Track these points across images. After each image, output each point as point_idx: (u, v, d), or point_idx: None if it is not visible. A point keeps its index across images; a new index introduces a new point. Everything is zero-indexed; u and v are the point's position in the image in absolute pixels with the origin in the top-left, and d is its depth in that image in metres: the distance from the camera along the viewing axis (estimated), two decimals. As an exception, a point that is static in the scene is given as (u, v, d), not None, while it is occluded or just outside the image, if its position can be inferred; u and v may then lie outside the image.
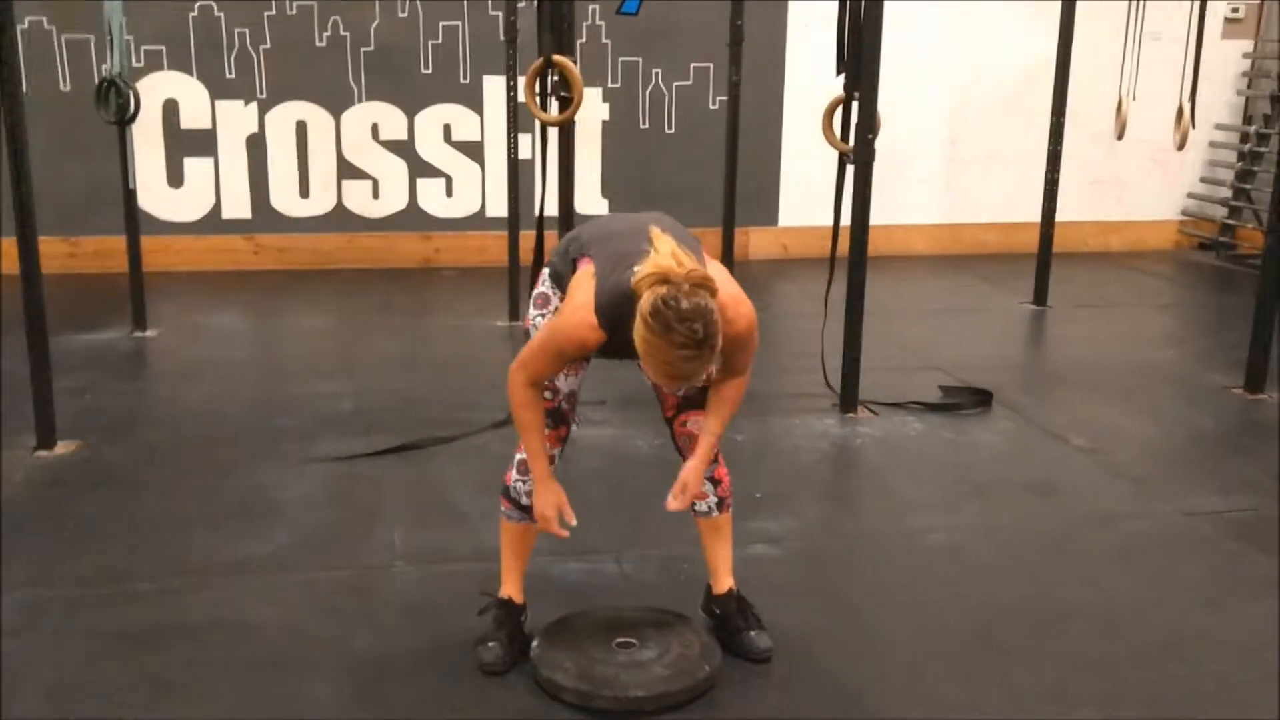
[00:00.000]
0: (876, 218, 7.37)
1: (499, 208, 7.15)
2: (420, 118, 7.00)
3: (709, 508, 2.76)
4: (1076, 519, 3.63)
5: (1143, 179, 8.01)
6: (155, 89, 6.58)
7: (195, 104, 6.75)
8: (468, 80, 7.00)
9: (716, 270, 2.48)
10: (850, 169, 4.46)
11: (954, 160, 7.73)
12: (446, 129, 7.05)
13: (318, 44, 6.79)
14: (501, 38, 6.86)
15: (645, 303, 2.26)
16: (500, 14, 6.85)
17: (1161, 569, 3.29)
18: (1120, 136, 5.97)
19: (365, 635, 2.85)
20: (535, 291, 2.75)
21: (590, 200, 7.24)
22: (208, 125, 6.79)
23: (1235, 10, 7.82)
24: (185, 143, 6.79)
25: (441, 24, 6.90)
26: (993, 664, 2.79)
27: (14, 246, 3.86)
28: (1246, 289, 6.99)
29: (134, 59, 6.45)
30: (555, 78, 4.15)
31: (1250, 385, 4.84)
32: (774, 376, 4.73)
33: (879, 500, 3.81)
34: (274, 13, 6.71)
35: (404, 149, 7.03)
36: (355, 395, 4.67)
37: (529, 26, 5.83)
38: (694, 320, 2.22)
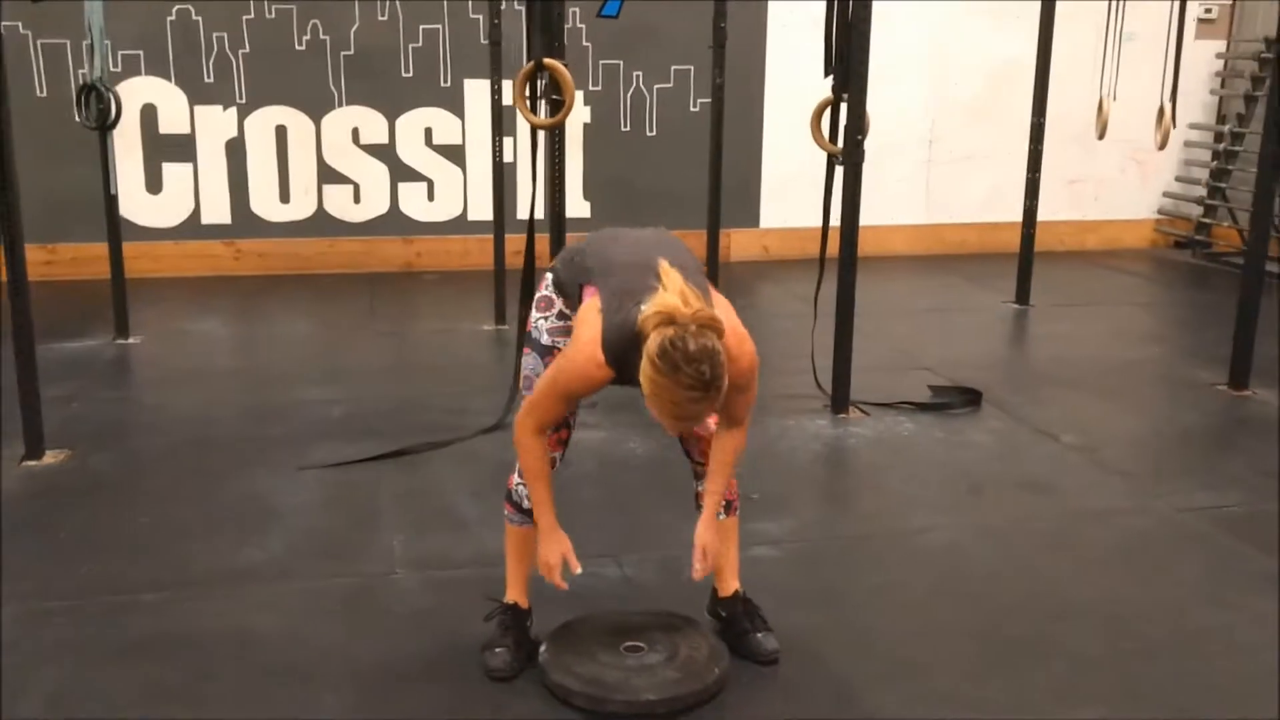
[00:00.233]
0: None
1: (481, 211, 7.16)
2: (401, 121, 6.98)
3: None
4: (1073, 516, 3.65)
5: (1119, 178, 8.08)
6: (133, 94, 6.52)
7: (174, 109, 6.70)
8: (449, 84, 6.98)
9: (721, 306, 2.48)
10: (839, 170, 4.47)
11: (933, 160, 7.78)
12: (428, 133, 7.03)
13: (297, 48, 6.75)
14: (484, 40, 6.88)
15: (652, 344, 2.25)
16: (481, 17, 6.86)
17: (1160, 566, 3.31)
18: (1101, 136, 6.02)
19: (370, 643, 2.83)
20: (537, 294, 2.74)
21: (572, 203, 7.21)
22: (186, 130, 6.74)
23: (1208, 11, 7.91)
24: (164, 148, 6.73)
25: (422, 27, 6.88)
26: (999, 663, 2.79)
27: (-1, 254, 3.83)
28: (1223, 287, 7.08)
29: (111, 64, 6.38)
30: (545, 80, 4.13)
31: (1234, 382, 4.89)
32: (764, 378, 4.64)
33: (876, 500, 3.82)
34: (253, 16, 6.67)
35: (385, 153, 7.00)
36: (345, 401, 4.64)
37: (510, 30, 5.86)
38: (701, 362, 2.21)
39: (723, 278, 6.09)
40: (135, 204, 6.66)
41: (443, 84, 6.97)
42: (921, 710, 2.59)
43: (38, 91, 6.47)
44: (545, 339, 2.67)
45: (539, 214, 7.17)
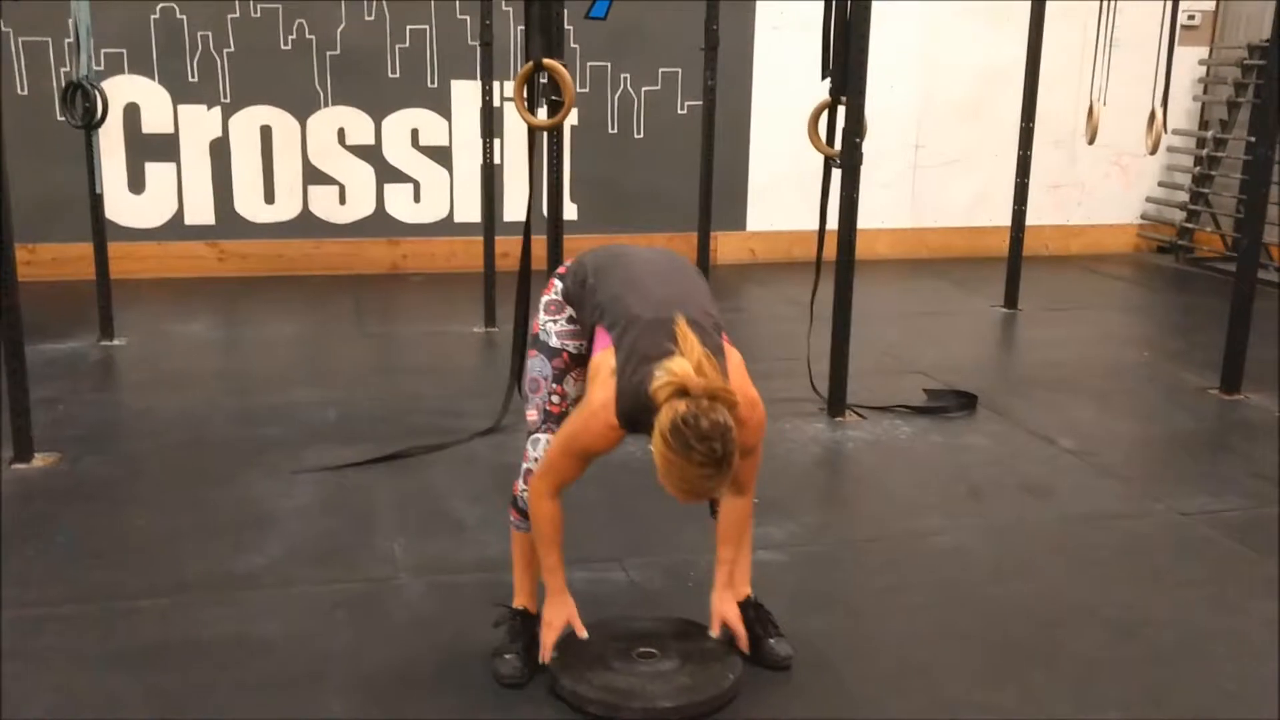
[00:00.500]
0: (833, 221, 7.46)
1: (468, 213, 7.12)
2: (388, 122, 6.93)
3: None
4: (1074, 520, 3.65)
5: (1102, 183, 8.12)
6: (116, 93, 6.40)
7: (157, 108, 6.62)
8: (435, 84, 6.93)
9: (734, 365, 2.48)
10: (835, 173, 4.46)
11: (918, 165, 7.79)
12: (414, 134, 6.98)
13: (283, 47, 6.69)
14: (473, 41, 6.81)
15: (665, 419, 2.23)
16: (469, 18, 6.82)
17: (1164, 569, 3.31)
18: (1092, 141, 6.05)
19: (377, 649, 2.79)
20: (545, 298, 2.70)
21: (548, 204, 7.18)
22: (170, 130, 6.67)
23: (1191, 18, 7.95)
24: (147, 148, 6.66)
25: (409, 27, 6.83)
26: (1010, 667, 2.78)
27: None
28: (1207, 291, 7.14)
29: (94, 62, 6.29)
30: (544, 81, 4.09)
31: (1226, 386, 4.91)
32: (758, 381, 4.62)
33: (878, 504, 3.80)
34: (238, 15, 6.60)
35: (371, 154, 6.95)
36: (337, 403, 4.59)
37: (497, 30, 5.83)
38: (714, 440, 2.20)
39: (710, 281, 6.05)
40: (118, 204, 6.57)
41: (429, 85, 6.93)
42: (936, 714, 2.57)
43: (19, 89, 6.38)
44: (554, 341, 2.65)
45: (521, 215, 7.15)
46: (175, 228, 6.78)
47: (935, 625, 2.97)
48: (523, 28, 6.74)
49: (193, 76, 6.62)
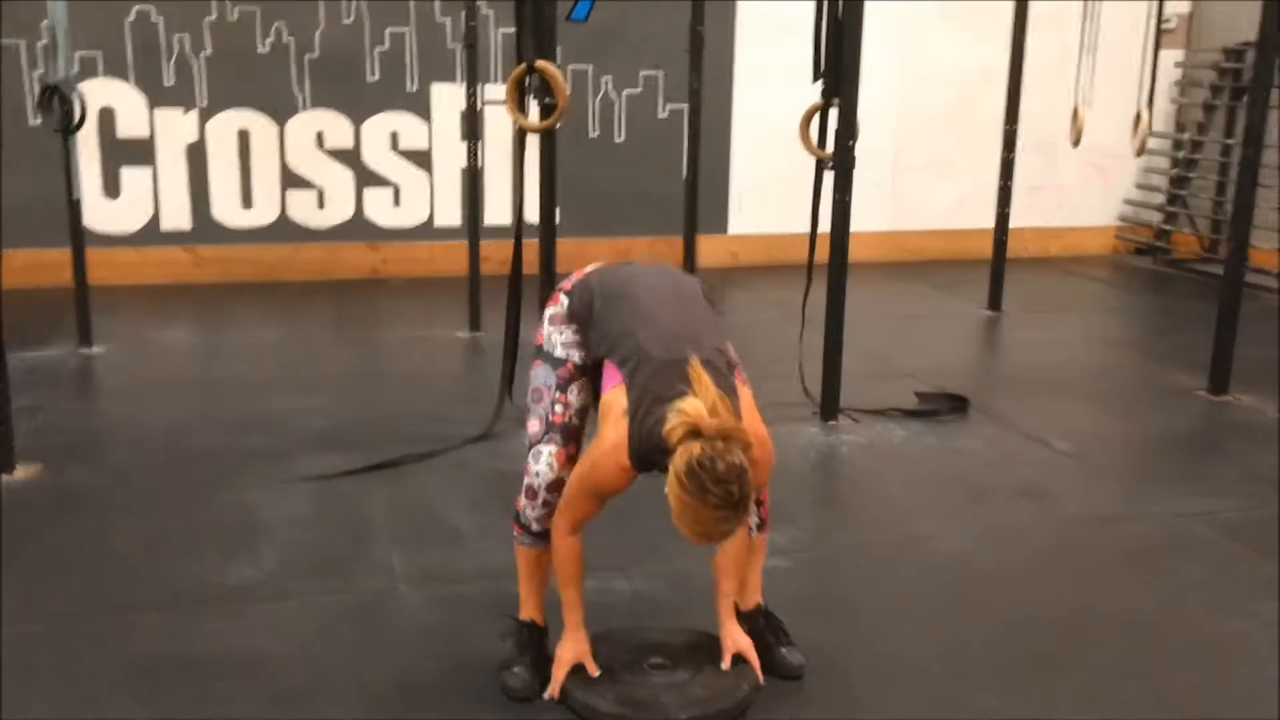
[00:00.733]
0: (823, 225, 7.47)
1: (448, 217, 7.06)
2: (367, 126, 6.85)
3: (749, 528, 2.69)
4: (1074, 523, 3.64)
5: (1081, 186, 8.15)
6: (91, 97, 6.22)
7: (132, 112, 6.52)
8: (415, 88, 6.86)
9: (744, 402, 2.47)
10: (826, 175, 4.45)
11: (898, 167, 7.79)
12: (394, 137, 6.91)
13: (260, 50, 6.60)
14: (453, 44, 6.79)
15: (680, 462, 2.20)
16: (449, 20, 6.77)
17: (1168, 572, 3.31)
18: (1076, 143, 6.07)
19: (380, 662, 2.73)
20: (550, 310, 2.65)
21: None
22: (145, 134, 6.56)
23: (1167, 21, 7.98)
24: (122, 152, 6.55)
25: (388, 30, 6.76)
26: (1024, 673, 2.76)
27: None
28: (1186, 292, 7.18)
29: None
30: (535, 83, 4.04)
31: (1214, 387, 4.92)
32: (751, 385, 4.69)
33: (878, 508, 3.78)
34: (214, 18, 6.51)
35: (350, 158, 6.87)
36: (324, 411, 4.52)
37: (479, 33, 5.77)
38: (730, 482, 2.17)
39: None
40: (92, 209, 6.43)
41: (409, 88, 6.86)
42: (953, 723, 2.55)
43: (-10, 93, 6.26)
44: (559, 351, 2.61)
45: (506, 219, 7.09)
46: (151, 233, 6.68)
47: (943, 631, 2.94)
48: (505, 30, 6.77)
49: (169, 80, 6.52)
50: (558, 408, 2.57)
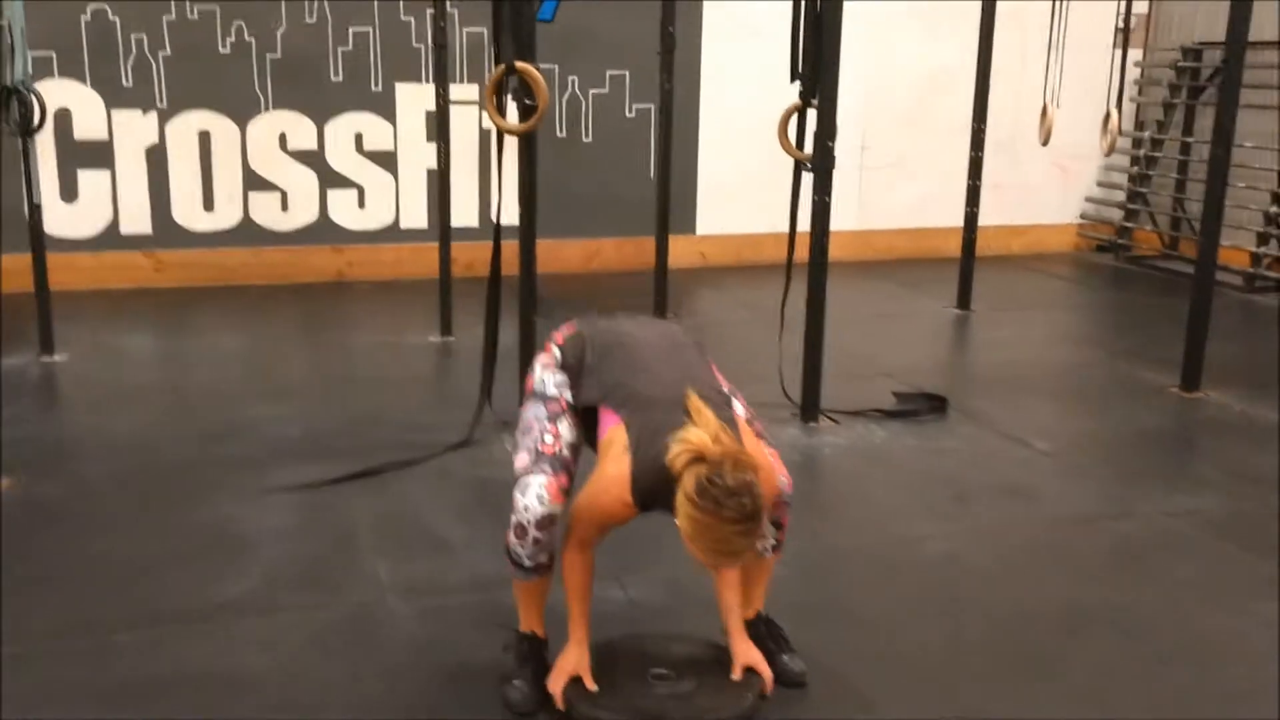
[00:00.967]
0: (784, 226, 7.46)
1: (414, 219, 6.98)
2: (330, 127, 6.76)
3: (763, 549, 2.66)
4: (1062, 522, 3.65)
5: (1043, 183, 8.21)
6: (46, 98, 6.12)
7: (89, 113, 6.38)
8: (379, 88, 6.78)
9: (747, 433, 2.46)
10: (804, 176, 4.43)
11: (864, 167, 7.80)
12: (358, 138, 6.82)
13: (221, 50, 6.49)
14: (418, 43, 6.71)
15: (689, 483, 2.21)
16: (412, 20, 6.69)
17: (1156, 571, 3.32)
18: (1045, 142, 6.11)
19: (374, 677, 2.67)
20: (541, 359, 2.64)
21: (507, 210, 7.06)
22: (103, 136, 6.43)
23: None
24: (79, 154, 6.41)
25: (351, 30, 6.67)
26: (1025, 674, 2.76)
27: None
28: (1148, 289, 7.27)
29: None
30: (515, 84, 3.98)
31: (1186, 384, 4.96)
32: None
33: (865, 511, 3.76)
34: (174, 17, 6.39)
35: (313, 159, 6.77)
36: (298, 419, 4.44)
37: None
38: (742, 495, 2.18)
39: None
40: (49, 213, 6.23)
41: (373, 88, 6.77)
42: (959, 728, 2.54)
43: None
44: (551, 390, 2.59)
45: (473, 221, 7.04)
46: (110, 237, 6.54)
47: (942, 634, 2.93)
48: (470, 30, 6.70)
49: (127, 80, 6.39)
50: (547, 438, 2.52)
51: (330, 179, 6.82)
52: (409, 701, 2.58)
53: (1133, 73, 8.16)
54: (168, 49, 6.41)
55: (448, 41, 5.47)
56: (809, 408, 4.49)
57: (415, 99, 6.81)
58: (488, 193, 7.07)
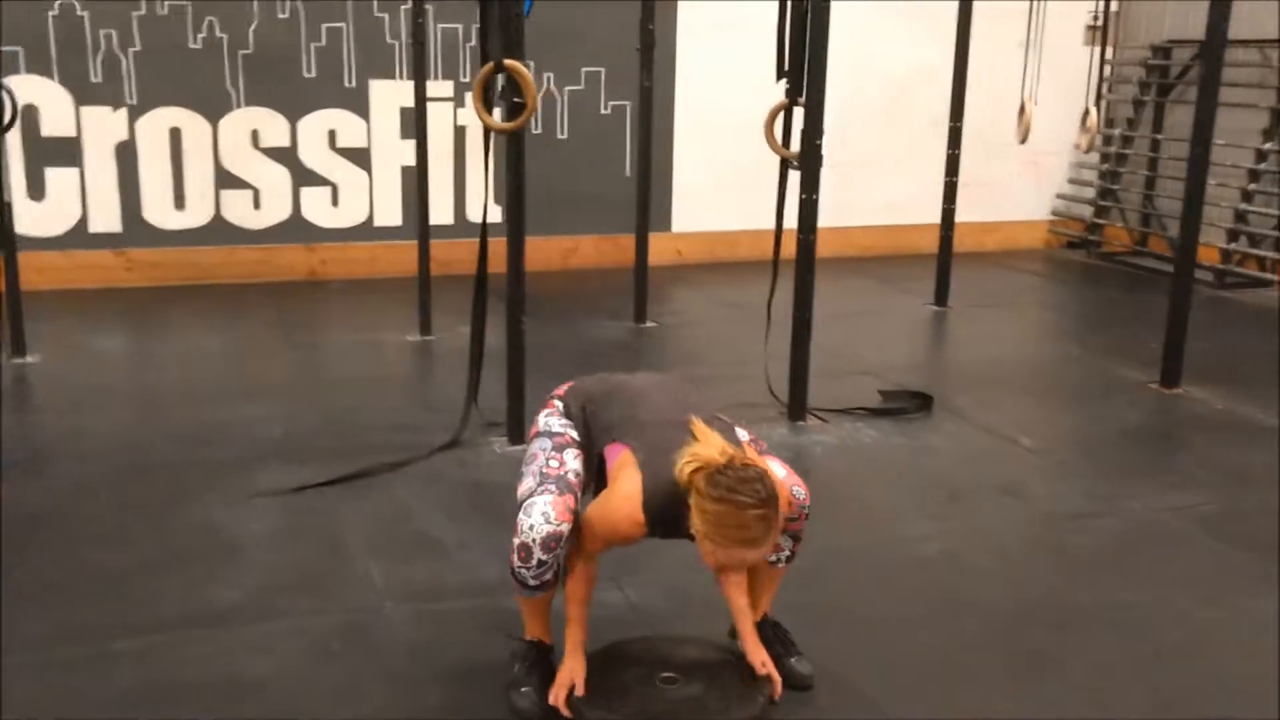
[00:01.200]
0: (760, 223, 7.47)
1: (388, 217, 6.92)
2: (303, 124, 6.68)
3: (778, 559, 2.66)
4: (1054, 520, 3.66)
5: (1015, 181, 8.26)
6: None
7: (57, 110, 6.27)
8: (353, 84, 6.71)
9: (752, 453, 2.46)
10: (791, 174, 4.43)
11: (839, 164, 7.78)
12: (331, 135, 6.75)
13: (192, 46, 6.39)
14: (391, 40, 6.65)
15: (701, 483, 2.24)
16: (386, 16, 6.64)
17: (1151, 567, 3.34)
18: (1024, 140, 6.14)
19: (377, 683, 2.64)
20: (544, 411, 2.66)
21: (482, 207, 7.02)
22: (72, 133, 6.31)
23: (1096, 18, 8.14)
24: (47, 152, 6.29)
25: (325, 26, 6.59)
26: (1027, 673, 2.77)
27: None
28: (1120, 285, 7.33)
29: (-9, 61, 5.94)
30: (503, 82, 3.95)
31: (1166, 381, 5.01)
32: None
33: (859, 511, 3.76)
34: (143, 13, 6.29)
35: (286, 156, 6.69)
36: (282, 419, 4.38)
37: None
38: (755, 482, 2.22)
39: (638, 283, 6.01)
40: (16, 211, 6.17)
41: (347, 84, 6.70)
42: (968, 729, 2.54)
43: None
44: (557, 427, 2.60)
45: (448, 219, 6.99)
46: (79, 236, 6.43)
47: (945, 635, 2.93)
48: (445, 26, 6.64)
49: (96, 76, 6.28)
50: (553, 463, 2.52)
51: (303, 176, 6.74)
52: (415, 707, 2.55)
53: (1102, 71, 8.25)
54: (137, 44, 6.31)
55: (426, 38, 5.38)
56: (796, 407, 4.49)
57: (389, 95, 6.75)
58: (463, 190, 7.02)
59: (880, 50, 7.68)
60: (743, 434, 2.59)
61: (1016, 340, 6.00)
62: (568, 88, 7.08)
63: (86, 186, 6.40)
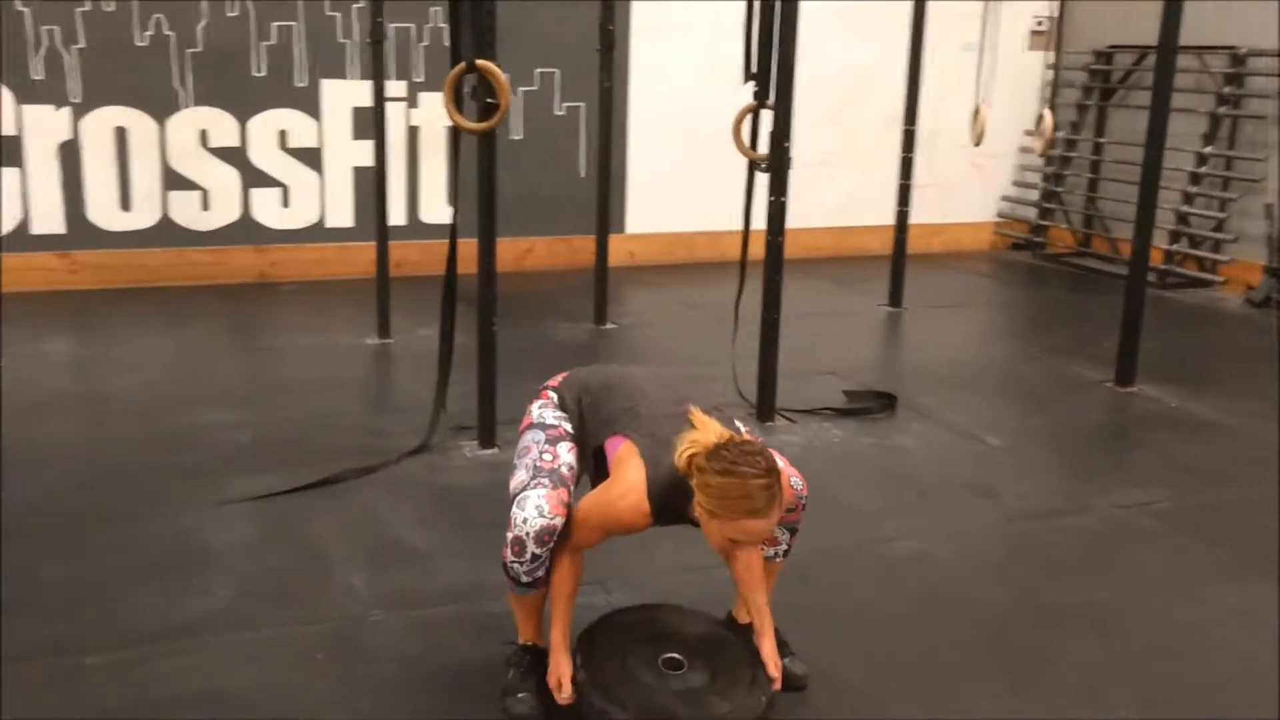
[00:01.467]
0: (715, 224, 7.49)
1: (340, 218, 6.84)
2: (253, 123, 6.56)
3: (775, 553, 2.66)
4: (1025, 518, 3.71)
5: (961, 182, 8.37)
6: (-48, 91, 5.91)
7: (-2, 108, 6.11)
8: (304, 84, 6.61)
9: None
10: (756, 176, 4.45)
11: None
12: (282, 135, 6.64)
13: (138, 43, 6.26)
14: (342, 39, 6.56)
15: (701, 461, 2.24)
16: (338, 15, 6.56)
17: (1121, 563, 3.39)
18: (978, 143, 6.22)
19: (370, 693, 2.60)
20: (537, 403, 2.64)
21: (436, 207, 6.98)
22: (12, 132, 6.15)
23: (1040, 23, 8.28)
24: (-13, 151, 6.13)
25: (274, 24, 6.49)
26: (1016, 671, 2.80)
27: None
28: (1065, 286, 7.46)
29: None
30: (474, 82, 3.91)
31: (1120, 379, 5.10)
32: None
33: (833, 511, 3.76)
34: (88, 9, 6.14)
35: (236, 157, 6.58)
36: (246, 425, 4.30)
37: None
38: (756, 455, 2.24)
39: (594, 285, 5.99)
40: (-44, 213, 6.03)
41: (298, 84, 6.60)
42: (962, 728, 2.56)
43: None
44: (550, 419, 2.59)
45: (401, 219, 6.92)
46: (20, 238, 6.26)
47: (931, 634, 2.96)
48: (396, 25, 6.57)
49: (38, 74, 6.12)
50: (546, 456, 2.50)
51: (253, 177, 6.63)
52: (409, 715, 2.52)
53: (1046, 74, 8.38)
54: (81, 42, 6.16)
55: (384, 37, 5.32)
56: (765, 407, 4.50)
57: (341, 95, 6.66)
58: (417, 191, 6.95)
59: (828, 52, 7.71)
60: (740, 426, 2.58)
61: (972, 340, 6.08)
62: (522, 88, 7.03)
63: (28, 187, 6.23)
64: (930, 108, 7.53)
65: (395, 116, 6.68)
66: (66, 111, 6.22)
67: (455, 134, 4.04)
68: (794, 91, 4.28)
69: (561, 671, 2.49)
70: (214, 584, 3.08)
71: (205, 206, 6.58)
